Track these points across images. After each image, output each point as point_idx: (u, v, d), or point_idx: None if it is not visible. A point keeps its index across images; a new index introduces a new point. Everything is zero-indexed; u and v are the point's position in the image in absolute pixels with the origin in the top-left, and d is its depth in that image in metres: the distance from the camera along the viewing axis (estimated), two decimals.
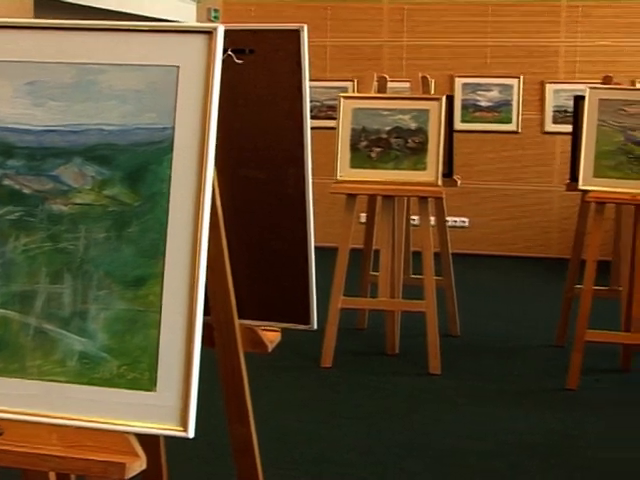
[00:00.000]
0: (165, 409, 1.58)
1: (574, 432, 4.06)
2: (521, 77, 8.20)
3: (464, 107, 8.29)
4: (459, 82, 8.26)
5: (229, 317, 2.00)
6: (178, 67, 1.61)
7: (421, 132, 4.84)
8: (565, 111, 7.83)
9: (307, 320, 2.15)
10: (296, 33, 1.97)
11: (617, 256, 5.46)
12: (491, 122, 8.29)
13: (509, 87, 8.23)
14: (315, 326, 2.16)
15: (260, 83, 2.03)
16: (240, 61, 1.99)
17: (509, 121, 8.27)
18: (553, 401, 4.48)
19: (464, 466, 3.64)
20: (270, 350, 2.18)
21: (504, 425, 4.11)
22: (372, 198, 5.39)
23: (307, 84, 1.98)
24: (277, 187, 2.06)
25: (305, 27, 1.96)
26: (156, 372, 1.59)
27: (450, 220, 7.49)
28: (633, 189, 4.51)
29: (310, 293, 2.12)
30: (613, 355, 5.03)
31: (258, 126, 2.05)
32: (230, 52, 1.98)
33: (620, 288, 5.22)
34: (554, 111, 8.19)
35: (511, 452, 3.79)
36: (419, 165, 4.83)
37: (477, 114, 8.30)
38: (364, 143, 4.89)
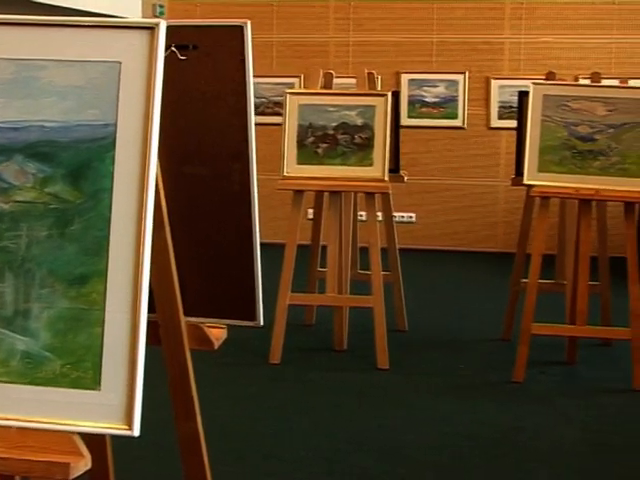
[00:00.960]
0: (110, 408, 1.57)
1: (520, 424, 4.10)
2: (466, 73, 8.26)
3: (410, 103, 8.33)
4: (405, 78, 8.31)
5: (175, 314, 1.99)
6: (120, 63, 1.60)
7: (367, 128, 4.85)
8: (510, 107, 7.91)
9: (253, 316, 2.14)
10: (240, 29, 1.96)
11: (562, 250, 5.53)
12: (437, 118, 8.35)
13: (455, 83, 8.29)
14: (261, 322, 2.16)
15: (204, 79, 2.02)
16: (184, 57, 1.98)
17: (455, 117, 8.33)
18: (500, 394, 4.52)
19: (412, 460, 3.66)
20: (216, 347, 2.17)
21: (451, 418, 4.14)
22: (319, 194, 5.40)
23: (251, 80, 1.98)
24: (222, 183, 2.05)
25: (249, 23, 1.96)
26: (100, 371, 1.58)
27: (397, 215, 7.53)
28: (577, 184, 4.58)
29: (256, 289, 2.11)
30: (559, 348, 5.09)
31: (202, 122, 2.04)
32: (174, 48, 1.97)
33: (565, 282, 5.29)
34: (499, 107, 8.27)
35: (458, 445, 3.82)
36: (366, 161, 4.85)
37: (423, 110, 8.35)
38: (311, 139, 4.90)
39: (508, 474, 3.56)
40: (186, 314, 2.06)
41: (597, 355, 5.23)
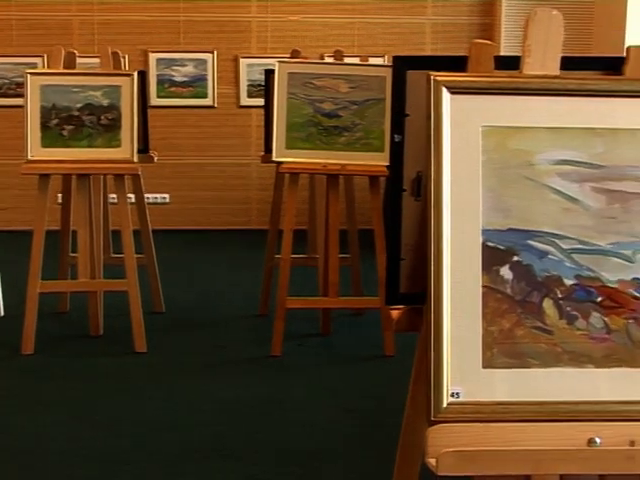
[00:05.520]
0: None
1: (280, 396, 4.18)
2: (215, 52, 8.27)
3: (159, 82, 8.24)
4: (153, 57, 8.20)
5: None
6: None
7: (114, 108, 4.75)
8: (259, 85, 7.99)
9: None
10: None
11: (313, 224, 5.66)
12: (187, 97, 8.31)
13: (204, 62, 8.27)
14: (2, 312, 2.07)
15: None
16: None
17: (205, 96, 8.33)
18: (259, 369, 4.59)
19: (174, 442, 3.64)
20: None
21: (212, 396, 4.16)
22: (67, 177, 5.25)
23: None
24: None
25: None
26: None
27: (150, 197, 7.46)
28: (324, 159, 4.69)
29: None
30: (314, 320, 5.22)
31: None
32: None
33: (317, 255, 5.43)
34: (248, 85, 8.34)
35: (219, 422, 3.85)
36: (113, 142, 4.75)
37: (173, 89, 8.29)
38: (55, 121, 4.74)
39: (269, 445, 3.62)
40: None
41: (351, 325, 5.41)
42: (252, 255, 6.88)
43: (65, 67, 4.90)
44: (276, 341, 4.74)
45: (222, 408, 4.02)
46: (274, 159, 4.74)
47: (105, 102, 4.75)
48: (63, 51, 4.92)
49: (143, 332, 4.80)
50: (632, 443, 1.67)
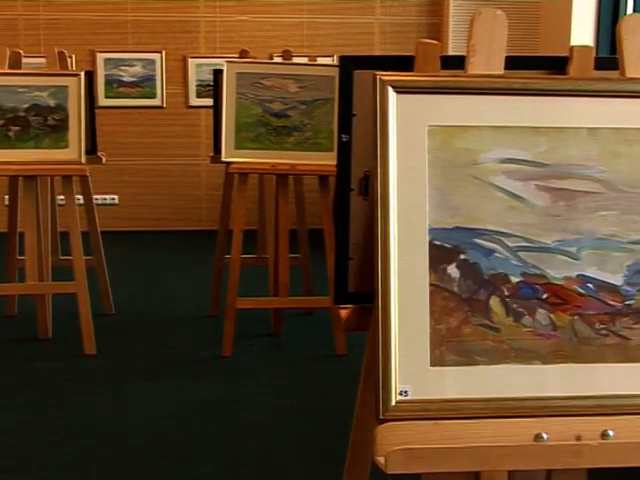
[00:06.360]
0: None
1: (231, 398, 4.17)
2: (163, 52, 8.22)
3: (107, 83, 8.18)
4: (101, 57, 8.13)
5: None
6: None
7: (61, 109, 4.70)
8: (208, 85, 7.96)
9: None
10: None
11: (262, 224, 5.65)
12: (136, 97, 8.26)
13: (152, 62, 8.22)
14: None
15: None
16: None
17: (153, 96, 8.28)
18: (209, 370, 4.57)
19: (122, 444, 3.62)
20: None
21: (162, 399, 4.13)
22: (14, 179, 5.19)
23: None
24: None
25: None
26: None
27: (99, 198, 7.40)
28: (273, 159, 4.69)
29: None
30: (265, 320, 5.22)
31: None
32: None
33: (267, 256, 5.42)
34: (197, 85, 8.31)
35: (170, 425, 3.82)
36: (61, 143, 4.70)
37: (121, 89, 8.22)
38: (1, 122, 4.68)
39: (219, 446, 3.60)
40: None
41: (302, 324, 5.41)
42: (202, 256, 6.86)
43: (10, 67, 4.84)
44: (226, 342, 4.73)
45: (172, 410, 4.00)
46: (223, 159, 4.73)
47: (52, 103, 4.70)
48: (8, 51, 4.86)
49: (92, 334, 4.76)
50: (578, 438, 1.69)
